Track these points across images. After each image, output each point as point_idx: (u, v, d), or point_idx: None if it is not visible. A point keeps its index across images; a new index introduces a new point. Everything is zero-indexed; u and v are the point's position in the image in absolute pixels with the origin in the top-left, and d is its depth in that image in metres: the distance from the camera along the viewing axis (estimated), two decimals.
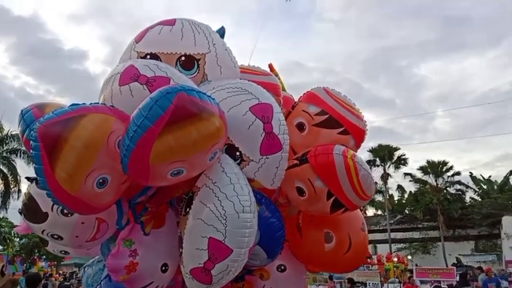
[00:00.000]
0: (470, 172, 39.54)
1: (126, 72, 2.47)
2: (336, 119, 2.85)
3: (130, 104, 2.26)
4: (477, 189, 37.99)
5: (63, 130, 2.07)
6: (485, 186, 37.94)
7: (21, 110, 2.66)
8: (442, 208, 34.85)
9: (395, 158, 37.24)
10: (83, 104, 2.25)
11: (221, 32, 3.55)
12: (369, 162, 37.33)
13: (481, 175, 38.91)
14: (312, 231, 2.95)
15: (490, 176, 38.90)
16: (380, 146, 37.69)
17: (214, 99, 2.25)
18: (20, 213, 2.80)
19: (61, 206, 2.33)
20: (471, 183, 38.33)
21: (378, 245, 36.80)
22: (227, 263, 2.22)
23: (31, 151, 2.09)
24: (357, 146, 2.96)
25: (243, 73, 2.93)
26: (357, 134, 2.92)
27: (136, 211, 2.59)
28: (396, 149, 37.25)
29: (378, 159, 37.56)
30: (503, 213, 29.49)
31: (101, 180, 2.17)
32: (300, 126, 2.90)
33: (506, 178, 37.31)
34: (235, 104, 2.50)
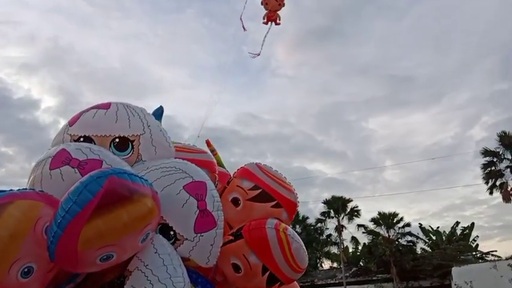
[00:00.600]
0: (419, 223, 41.17)
1: (57, 156, 2.48)
2: (268, 193, 2.98)
3: (61, 188, 2.24)
4: (427, 240, 39.09)
5: None
6: (434, 237, 39.07)
7: None
8: (394, 260, 35.20)
9: (348, 209, 38.37)
10: (10, 190, 2.20)
11: (159, 111, 3.69)
12: (323, 213, 38.87)
13: (430, 226, 40.71)
14: None
15: (438, 227, 40.58)
16: (334, 197, 38.79)
17: (147, 180, 2.30)
18: None
19: None
20: (421, 234, 39.46)
21: None
22: None
23: None
24: (290, 218, 3.09)
25: (178, 152, 3.03)
26: (289, 206, 3.06)
27: None
28: (349, 200, 38.42)
29: (332, 210, 38.47)
30: (452, 263, 30.30)
31: (26, 270, 2.08)
32: (235, 202, 2.99)
33: (453, 229, 38.81)
34: (169, 183, 2.57)
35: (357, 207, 38.65)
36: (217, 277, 2.89)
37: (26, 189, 2.35)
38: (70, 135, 2.78)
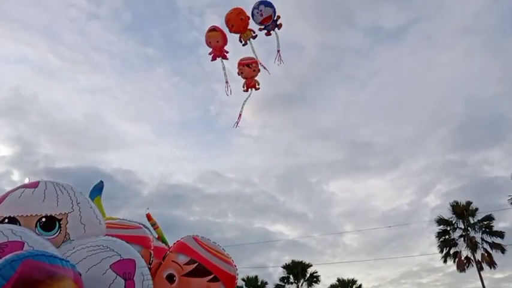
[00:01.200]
0: None
1: None
2: (205, 267, 2.93)
3: None
4: None
5: None
6: None
7: None
8: None
9: (308, 275, 37.98)
10: None
11: (100, 186, 3.63)
12: (282, 279, 38.36)
13: None
14: None
15: None
16: (293, 262, 38.53)
17: (68, 261, 2.21)
18: None
19: None
20: None
21: None
22: None
23: None
24: None
25: (110, 228, 2.96)
26: (227, 280, 3.00)
27: None
28: (309, 265, 38.40)
29: (291, 276, 38.09)
30: None
31: None
32: (170, 278, 2.90)
33: None
34: (95, 263, 2.47)
35: (316, 272, 38.72)
36: None
37: None
38: None
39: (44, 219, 2.67)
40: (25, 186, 2.84)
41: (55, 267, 2.08)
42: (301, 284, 37.95)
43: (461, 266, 31.85)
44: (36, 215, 2.68)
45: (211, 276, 2.90)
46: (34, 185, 2.84)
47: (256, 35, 7.95)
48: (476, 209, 32.61)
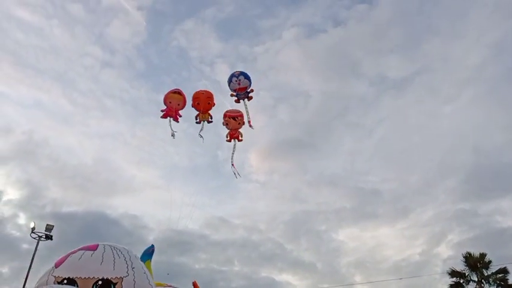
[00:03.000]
0: None
1: None
2: None
3: None
4: None
5: None
6: None
7: None
8: None
9: None
10: None
11: (151, 249, 3.74)
12: None
13: None
14: None
15: None
16: None
17: None
18: None
19: None
20: None
21: None
22: None
23: None
24: None
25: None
26: None
27: None
28: None
29: None
30: None
31: None
32: None
33: None
34: None
35: None
36: None
37: None
38: (54, 276, 2.81)
39: (100, 282, 2.78)
40: (85, 248, 3.00)
41: None
42: None
43: None
44: (93, 277, 2.79)
45: None
46: (93, 248, 2.99)
47: (212, 121, 8.67)
48: (490, 262, 30.91)
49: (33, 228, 24.04)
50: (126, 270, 2.90)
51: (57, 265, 2.91)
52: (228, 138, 8.40)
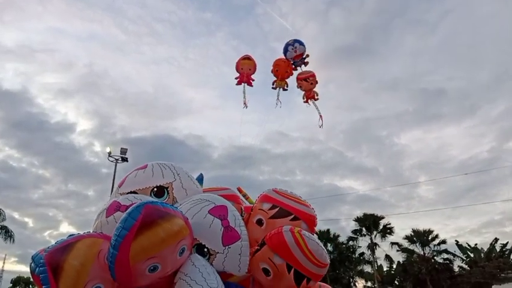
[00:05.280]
0: (456, 240, 39.12)
1: (110, 206, 3.22)
2: (285, 209, 3.48)
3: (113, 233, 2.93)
4: (464, 258, 37.24)
5: (63, 254, 2.70)
6: (472, 255, 36.95)
7: (32, 255, 3.29)
8: (431, 278, 33.71)
9: (381, 227, 36.85)
10: (78, 233, 2.93)
11: (200, 177, 4.38)
12: (355, 231, 37.51)
13: (467, 243, 38.07)
14: None
15: (476, 244, 37.98)
16: (365, 215, 37.59)
17: (176, 208, 2.94)
18: None
19: None
20: (458, 252, 37.37)
21: None
22: None
23: (40, 275, 2.67)
24: (311, 229, 3.50)
25: (206, 191, 3.67)
26: (307, 218, 3.51)
27: None
28: (381, 217, 37.29)
29: (364, 228, 37.27)
30: (492, 281, 29.05)
31: None
32: (259, 222, 3.50)
33: (492, 245, 36.68)
34: (197, 211, 3.18)
35: (389, 224, 37.29)
36: None
37: (89, 232, 3.07)
38: (120, 193, 3.54)
39: (155, 189, 3.48)
40: (137, 169, 3.70)
41: (168, 209, 2.81)
42: (375, 236, 36.82)
43: None
44: (149, 187, 3.50)
45: (292, 216, 3.43)
46: (144, 167, 3.68)
47: (287, 89, 8.75)
48: None
49: (109, 153, 26.18)
50: (173, 176, 3.57)
51: (120, 185, 3.64)
52: (305, 99, 8.73)
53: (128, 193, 3.51)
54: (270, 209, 3.52)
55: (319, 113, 8.91)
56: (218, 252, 3.04)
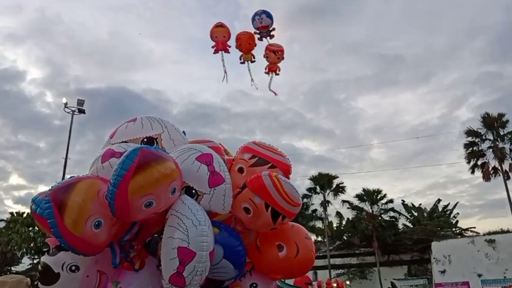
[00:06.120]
0: (402, 200, 42.79)
1: (105, 153, 3.53)
2: (264, 159, 3.89)
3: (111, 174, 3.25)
4: (409, 216, 41.00)
5: (66, 192, 3.02)
6: (416, 214, 40.99)
7: (32, 198, 3.58)
8: (377, 234, 37.34)
9: (334, 185, 39.41)
10: (78, 175, 3.24)
11: (183, 133, 4.66)
12: (309, 189, 40.34)
13: (411, 203, 42.33)
14: (267, 247, 3.73)
15: (420, 204, 42.58)
16: (320, 174, 40.31)
17: (168, 153, 3.29)
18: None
19: (70, 249, 3.10)
20: (403, 211, 41.02)
21: (318, 271, 36.96)
22: (193, 264, 2.97)
23: (45, 211, 2.98)
24: (286, 176, 3.93)
25: (191, 143, 4.02)
26: (283, 167, 3.93)
27: (125, 249, 3.38)
28: (335, 177, 39.95)
29: (318, 187, 39.80)
30: (432, 238, 31.09)
31: (96, 223, 3.04)
32: (240, 170, 3.90)
33: (435, 206, 40.69)
34: (185, 158, 3.53)
35: (342, 183, 40.18)
36: (238, 226, 3.74)
37: (88, 175, 3.39)
38: (111, 144, 3.84)
39: (145, 139, 3.80)
40: (127, 121, 3.99)
41: (161, 153, 3.16)
42: (327, 194, 39.33)
43: (487, 176, 32.47)
44: (139, 137, 3.81)
45: (270, 164, 3.85)
46: (133, 120, 3.98)
47: (255, 61, 8.94)
48: (507, 121, 32.05)
49: (65, 104, 25.48)
50: (161, 128, 3.89)
51: (111, 136, 3.93)
52: (266, 70, 8.93)
53: (119, 143, 3.81)
54: (250, 158, 3.92)
55: (270, 86, 9.24)
56: (205, 193, 3.43)
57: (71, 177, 3.22)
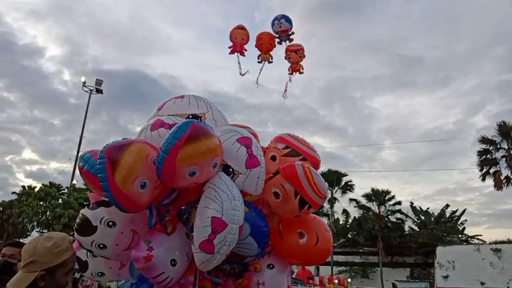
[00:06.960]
0: (411, 202, 42.54)
1: (154, 123, 3.82)
2: (296, 151, 4.14)
3: (160, 142, 3.52)
4: (415, 220, 40.82)
5: (119, 151, 3.29)
6: (423, 217, 40.83)
7: (81, 155, 3.87)
8: (382, 235, 37.44)
9: (342, 183, 39.51)
10: (130, 138, 3.53)
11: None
12: None
13: (419, 206, 41.88)
14: (289, 232, 3.98)
15: (428, 208, 41.66)
16: (329, 170, 40.43)
17: (214, 130, 3.56)
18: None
19: (114, 203, 3.37)
20: (411, 213, 42.37)
21: (320, 267, 37.09)
22: (224, 234, 3.23)
23: (98, 165, 3.26)
24: (315, 169, 4.18)
25: (230, 125, 4.28)
26: (313, 160, 4.18)
27: (161, 213, 3.65)
28: (344, 175, 40.00)
29: (326, 183, 39.82)
30: (437, 243, 31.56)
31: (142, 184, 3.32)
32: (273, 158, 4.16)
33: (443, 211, 40.37)
34: (227, 138, 3.80)
35: (351, 181, 40.13)
36: (264, 210, 3.99)
37: (139, 139, 3.68)
38: (159, 116, 4.12)
39: (191, 116, 4.07)
40: (175, 97, 4.28)
41: (210, 130, 3.43)
42: (335, 191, 39.35)
43: (499, 185, 32.11)
44: (186, 113, 4.09)
45: (301, 157, 4.10)
46: (181, 97, 4.26)
47: (272, 62, 9.19)
48: None
49: (84, 82, 25.99)
50: (206, 108, 4.17)
51: (159, 109, 4.22)
52: (290, 71, 9.17)
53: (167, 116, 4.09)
54: (284, 148, 4.18)
55: (285, 93, 9.48)
56: (241, 173, 3.69)
57: (124, 139, 3.50)
